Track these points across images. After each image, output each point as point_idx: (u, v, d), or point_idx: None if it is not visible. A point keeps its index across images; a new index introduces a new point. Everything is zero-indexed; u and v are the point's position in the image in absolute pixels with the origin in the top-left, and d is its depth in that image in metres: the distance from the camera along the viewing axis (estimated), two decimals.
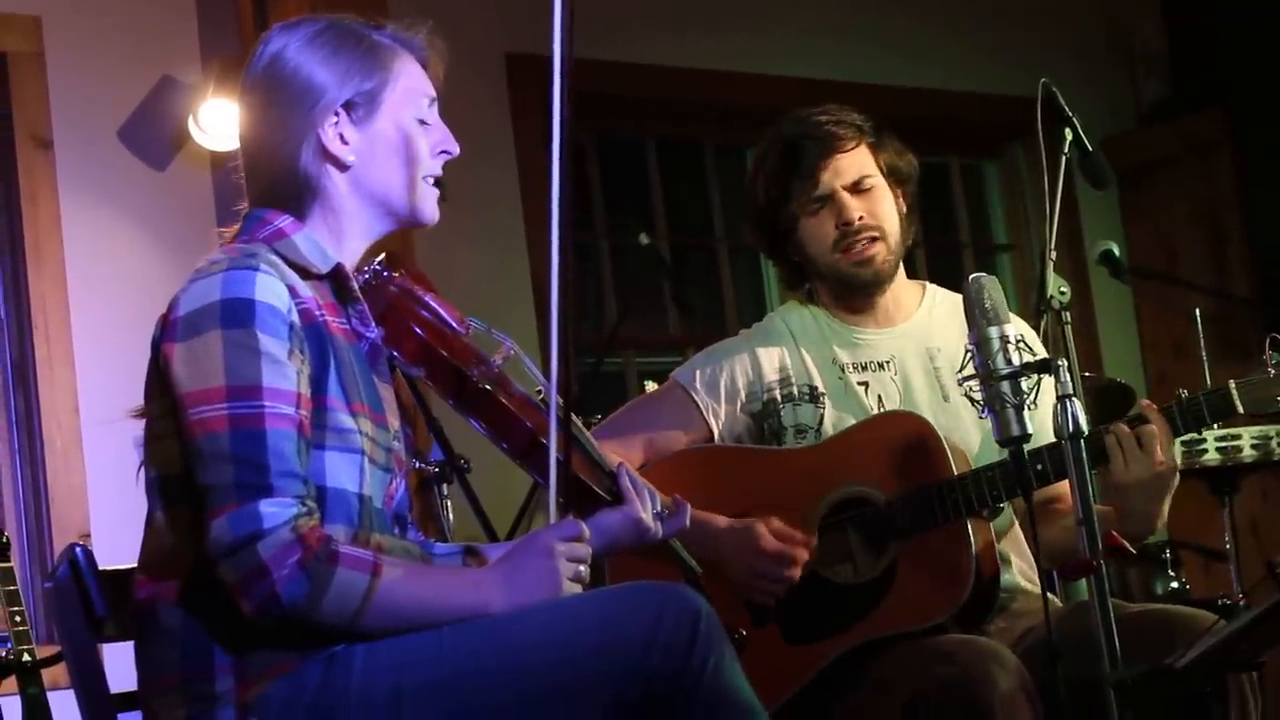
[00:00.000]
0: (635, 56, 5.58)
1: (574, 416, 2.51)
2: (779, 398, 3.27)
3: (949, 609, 3.01)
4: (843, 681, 3.07)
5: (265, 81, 2.43)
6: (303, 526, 2.21)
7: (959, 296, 3.22)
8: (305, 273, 2.39)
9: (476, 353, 2.57)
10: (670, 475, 3.21)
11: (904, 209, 3.32)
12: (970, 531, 3.03)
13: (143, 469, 2.36)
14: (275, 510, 2.20)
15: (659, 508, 2.63)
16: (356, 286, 2.46)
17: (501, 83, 5.26)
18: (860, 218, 3.23)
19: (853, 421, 3.22)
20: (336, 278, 2.44)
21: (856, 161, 3.26)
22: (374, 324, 2.47)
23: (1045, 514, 3.19)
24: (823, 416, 3.24)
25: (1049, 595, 3.20)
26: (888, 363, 3.28)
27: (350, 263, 2.47)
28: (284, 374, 2.26)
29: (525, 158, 5.25)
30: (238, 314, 2.26)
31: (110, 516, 4.53)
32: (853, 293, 3.30)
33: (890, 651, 3.00)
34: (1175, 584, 4.83)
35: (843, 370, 3.27)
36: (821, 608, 3.10)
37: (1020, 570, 3.22)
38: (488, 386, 2.51)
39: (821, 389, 3.26)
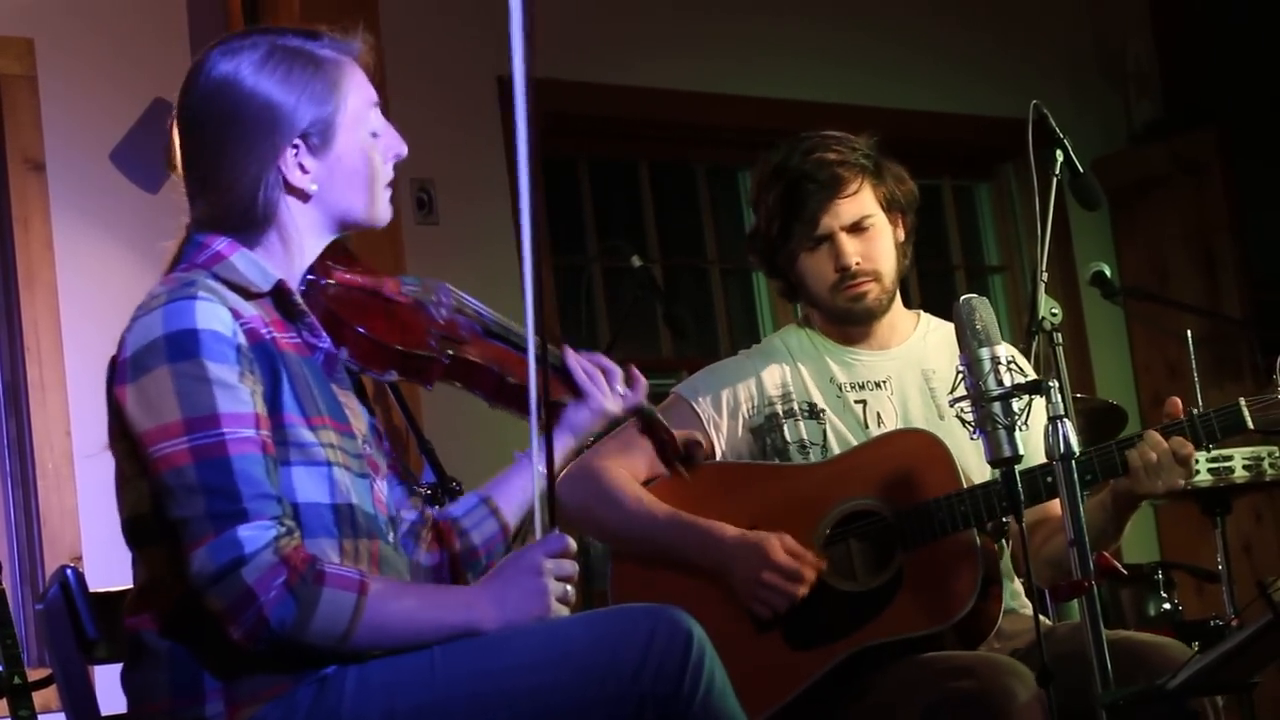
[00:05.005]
0: (627, 79, 5.58)
1: (512, 331, 2.58)
2: (780, 413, 3.29)
3: (950, 617, 3.02)
4: (857, 694, 3.07)
5: (218, 111, 2.37)
6: (285, 547, 2.20)
7: (952, 325, 3.24)
8: (246, 293, 2.36)
9: (426, 318, 2.55)
10: (678, 489, 3.22)
11: (901, 237, 3.34)
12: (979, 546, 3.04)
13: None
14: (254, 534, 2.19)
15: (618, 385, 2.66)
16: (300, 300, 2.42)
17: (494, 106, 5.25)
18: (857, 263, 3.26)
19: (853, 438, 3.24)
20: (279, 294, 2.40)
21: (857, 204, 3.28)
22: (325, 334, 2.44)
23: (1044, 528, 3.22)
24: (825, 432, 3.26)
25: (1041, 617, 3.21)
26: (884, 382, 3.30)
27: (303, 269, 2.44)
28: (238, 398, 2.25)
29: (517, 180, 5.22)
30: (183, 346, 2.24)
31: (102, 539, 4.51)
32: (847, 323, 3.34)
33: (905, 665, 3.01)
34: (1168, 605, 4.82)
35: (840, 389, 3.30)
36: (824, 614, 3.10)
37: (1014, 592, 3.22)
38: (450, 352, 2.52)
39: (821, 405, 3.28)
